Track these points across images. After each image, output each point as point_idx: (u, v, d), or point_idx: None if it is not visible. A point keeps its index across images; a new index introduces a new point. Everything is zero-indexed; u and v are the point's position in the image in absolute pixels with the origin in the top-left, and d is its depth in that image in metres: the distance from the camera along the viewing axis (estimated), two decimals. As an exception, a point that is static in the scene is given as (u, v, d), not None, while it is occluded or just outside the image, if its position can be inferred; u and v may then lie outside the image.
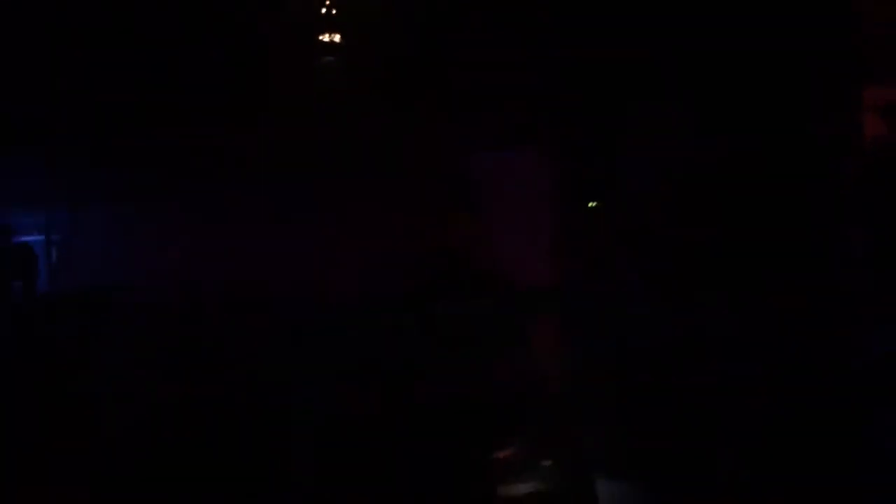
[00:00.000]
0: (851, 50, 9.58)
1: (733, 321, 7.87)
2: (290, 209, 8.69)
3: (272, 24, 8.41)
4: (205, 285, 7.94)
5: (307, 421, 5.88)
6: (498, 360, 6.42)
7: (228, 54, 8.41)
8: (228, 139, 8.49)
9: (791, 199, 9.26)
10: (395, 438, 5.79)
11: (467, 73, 9.26)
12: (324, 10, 8.54)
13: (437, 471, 5.51)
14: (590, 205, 9.81)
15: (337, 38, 8.60)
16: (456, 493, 5.53)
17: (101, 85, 8.41)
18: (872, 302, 7.75)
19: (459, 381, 5.86)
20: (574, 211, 9.88)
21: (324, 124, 8.59)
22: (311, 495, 5.68)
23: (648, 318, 8.30)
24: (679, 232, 9.19)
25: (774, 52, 9.49)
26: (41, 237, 8.63)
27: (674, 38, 9.54)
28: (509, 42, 9.44)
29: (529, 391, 6.10)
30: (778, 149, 9.55)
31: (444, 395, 5.73)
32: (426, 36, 8.97)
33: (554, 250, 9.82)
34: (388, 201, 9.11)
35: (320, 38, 8.58)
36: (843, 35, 9.53)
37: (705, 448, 5.95)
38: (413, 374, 6.22)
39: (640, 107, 9.79)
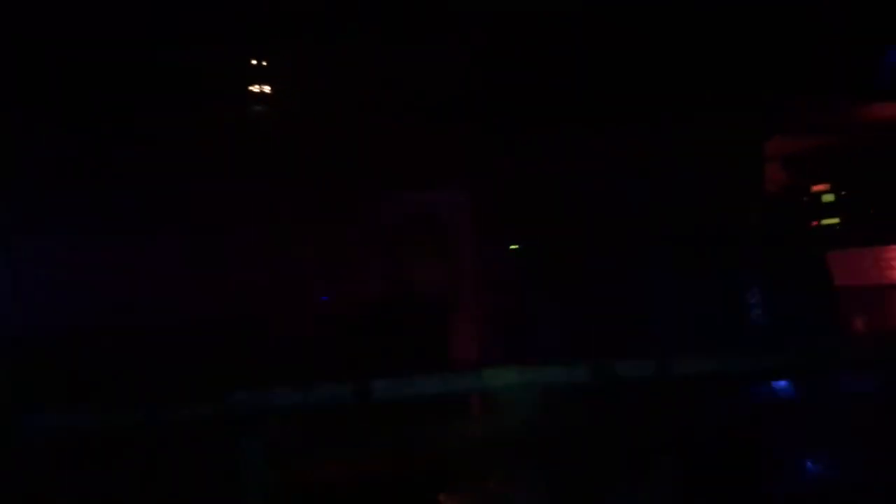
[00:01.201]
0: (756, 102, 10.05)
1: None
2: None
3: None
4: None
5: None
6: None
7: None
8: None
9: (699, 242, 9.69)
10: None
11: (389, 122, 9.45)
12: (254, 62, 8.65)
13: None
14: (511, 247, 10.09)
15: (267, 88, 8.73)
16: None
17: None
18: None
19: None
20: (495, 252, 10.13)
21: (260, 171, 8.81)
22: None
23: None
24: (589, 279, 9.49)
25: (680, 100, 9.93)
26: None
27: (588, 83, 9.87)
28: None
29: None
30: (686, 196, 9.99)
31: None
32: (351, 84, 9.13)
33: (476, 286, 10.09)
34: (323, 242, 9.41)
35: (251, 88, 8.69)
36: (748, 87, 9.98)
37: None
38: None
39: (556, 151, 10.12)
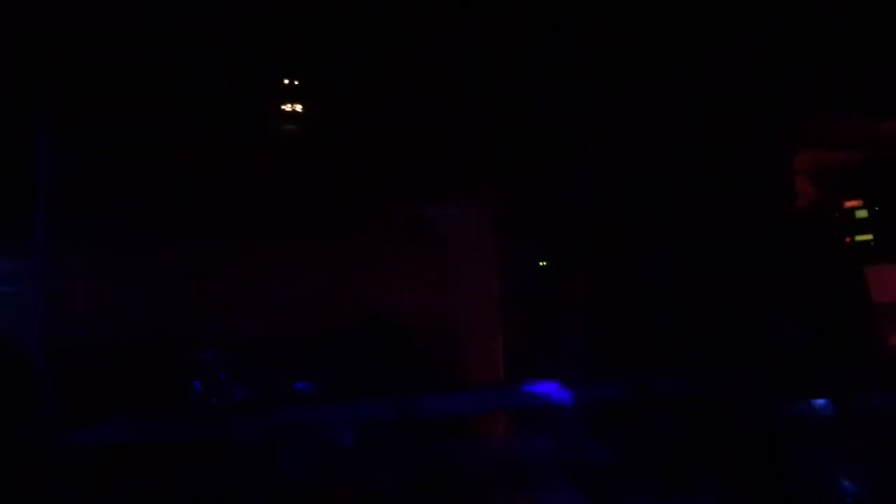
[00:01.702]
0: (783, 114, 9.98)
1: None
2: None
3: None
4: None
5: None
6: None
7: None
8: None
9: (727, 260, 9.62)
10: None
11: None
12: (286, 81, 8.72)
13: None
14: (541, 264, 10.07)
15: (298, 107, 8.80)
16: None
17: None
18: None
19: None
20: (522, 268, 10.11)
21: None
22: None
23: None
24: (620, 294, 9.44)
25: (707, 114, 9.89)
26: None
27: (615, 97, 9.86)
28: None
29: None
30: (712, 209, 9.93)
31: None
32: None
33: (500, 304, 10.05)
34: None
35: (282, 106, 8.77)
36: (777, 100, 9.93)
37: None
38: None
39: (583, 165, 10.10)
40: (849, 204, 10.29)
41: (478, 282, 10.03)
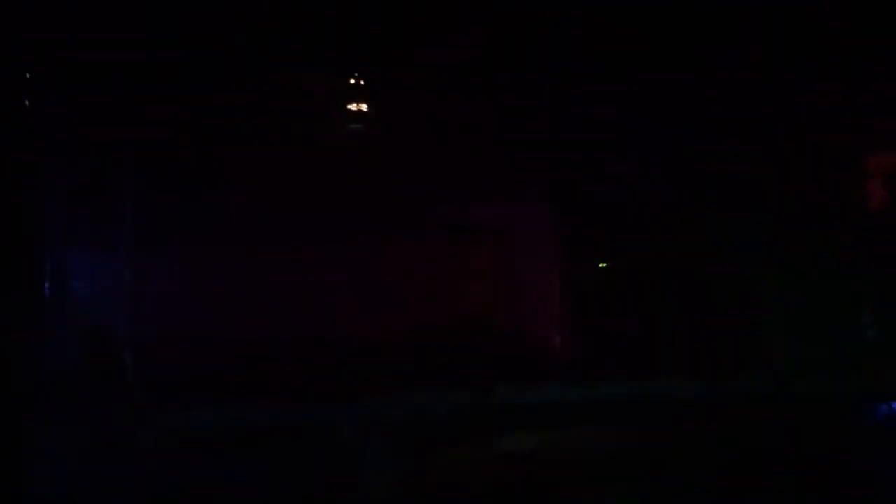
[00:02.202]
0: (856, 117, 9.83)
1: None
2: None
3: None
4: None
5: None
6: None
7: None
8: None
9: (795, 259, 9.49)
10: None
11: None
12: (352, 81, 8.81)
13: None
14: (600, 265, 10.03)
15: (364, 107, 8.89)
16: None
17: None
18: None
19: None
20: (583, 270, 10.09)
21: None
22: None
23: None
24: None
25: (778, 116, 9.78)
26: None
27: (681, 101, 9.79)
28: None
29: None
30: (783, 210, 9.82)
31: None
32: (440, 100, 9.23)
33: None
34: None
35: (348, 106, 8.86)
36: (847, 102, 9.78)
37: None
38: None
39: (644, 167, 10.06)
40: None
41: (540, 281, 10.03)
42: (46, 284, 7.41)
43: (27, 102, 7.08)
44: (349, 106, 8.92)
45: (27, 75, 7.21)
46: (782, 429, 5.28)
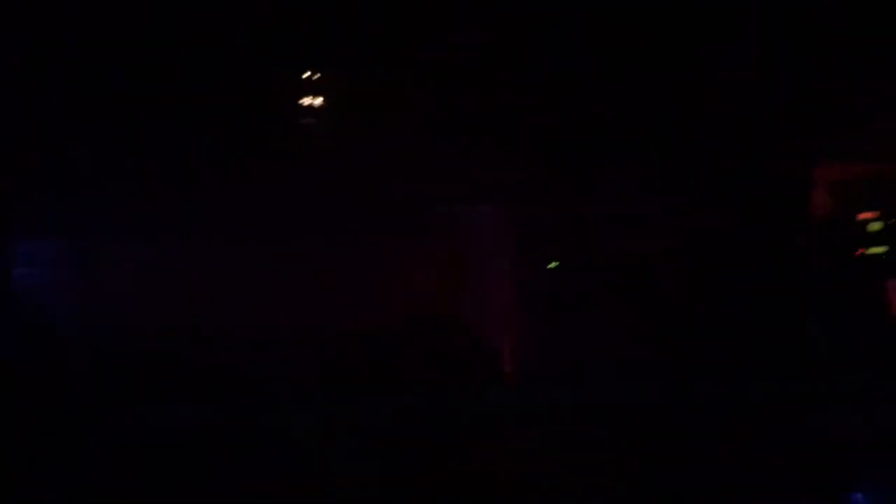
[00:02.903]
0: (804, 127, 9.99)
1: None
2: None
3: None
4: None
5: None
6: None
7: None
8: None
9: (747, 266, 9.62)
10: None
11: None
12: (307, 75, 8.73)
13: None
14: (550, 265, 10.06)
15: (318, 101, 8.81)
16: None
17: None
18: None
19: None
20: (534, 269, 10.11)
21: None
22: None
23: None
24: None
25: (730, 124, 9.90)
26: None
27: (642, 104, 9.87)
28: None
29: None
30: (733, 217, 9.94)
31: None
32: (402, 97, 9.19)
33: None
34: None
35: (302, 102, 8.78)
36: (796, 113, 9.94)
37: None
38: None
39: (607, 169, 10.11)
40: (863, 216, 10.28)
41: (493, 280, 10.04)
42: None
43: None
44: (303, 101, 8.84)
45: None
46: (730, 430, 5.36)
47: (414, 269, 9.75)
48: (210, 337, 8.27)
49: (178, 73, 8.33)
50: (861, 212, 10.38)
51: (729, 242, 9.80)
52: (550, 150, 10.02)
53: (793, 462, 5.64)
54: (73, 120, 8.38)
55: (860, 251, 10.20)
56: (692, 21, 9.45)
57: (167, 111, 8.52)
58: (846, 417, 6.06)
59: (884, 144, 9.95)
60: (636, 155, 9.93)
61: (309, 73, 8.92)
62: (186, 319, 8.45)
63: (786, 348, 7.56)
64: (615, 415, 6.27)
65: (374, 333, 8.83)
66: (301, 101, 8.97)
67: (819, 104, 9.66)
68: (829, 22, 9.39)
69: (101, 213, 8.56)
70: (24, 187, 8.22)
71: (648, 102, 9.68)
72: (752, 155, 9.98)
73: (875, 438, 6.02)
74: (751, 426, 5.66)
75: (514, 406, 6.40)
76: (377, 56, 8.77)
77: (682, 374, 7.44)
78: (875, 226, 10.16)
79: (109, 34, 8.17)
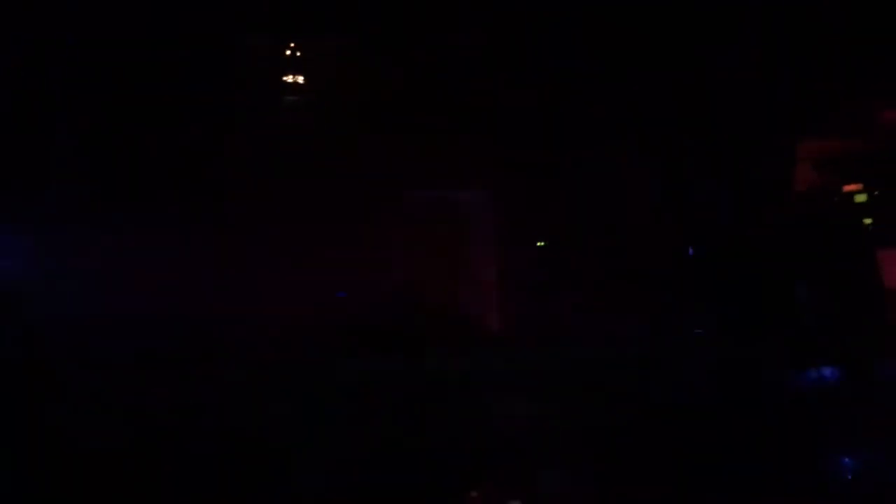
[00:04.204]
0: (786, 102, 10.03)
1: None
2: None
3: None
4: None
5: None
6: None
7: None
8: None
9: (728, 240, 9.64)
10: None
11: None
12: (288, 53, 8.67)
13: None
14: (538, 244, 10.08)
15: (300, 79, 8.76)
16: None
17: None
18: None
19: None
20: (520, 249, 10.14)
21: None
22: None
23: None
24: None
25: (710, 102, 9.95)
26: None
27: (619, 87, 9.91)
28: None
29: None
30: (717, 195, 9.98)
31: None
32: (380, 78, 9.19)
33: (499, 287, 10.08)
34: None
35: (284, 79, 8.71)
36: (778, 87, 9.98)
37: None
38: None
39: (586, 150, 10.14)
40: (848, 188, 10.31)
41: (478, 259, 10.07)
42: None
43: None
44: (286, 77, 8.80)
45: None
46: (706, 392, 5.37)
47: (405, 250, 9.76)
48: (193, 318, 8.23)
49: (154, 64, 8.28)
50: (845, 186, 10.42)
51: (715, 217, 9.85)
52: (537, 135, 10.07)
53: (768, 427, 5.67)
54: (43, 111, 8.33)
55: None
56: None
57: (143, 102, 8.48)
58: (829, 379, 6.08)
59: (865, 120, 10.01)
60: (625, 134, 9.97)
61: (295, 51, 8.87)
62: (165, 305, 8.41)
63: (774, 317, 7.59)
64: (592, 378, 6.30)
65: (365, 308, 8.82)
66: (285, 80, 8.92)
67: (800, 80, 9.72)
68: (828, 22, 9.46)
69: (75, 205, 8.50)
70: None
71: (642, 94, 9.74)
72: (736, 129, 10.03)
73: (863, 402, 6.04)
74: (724, 391, 5.68)
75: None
76: (366, 39, 8.76)
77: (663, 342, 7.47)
78: (860, 197, 10.20)
79: (94, 28, 8.11)
